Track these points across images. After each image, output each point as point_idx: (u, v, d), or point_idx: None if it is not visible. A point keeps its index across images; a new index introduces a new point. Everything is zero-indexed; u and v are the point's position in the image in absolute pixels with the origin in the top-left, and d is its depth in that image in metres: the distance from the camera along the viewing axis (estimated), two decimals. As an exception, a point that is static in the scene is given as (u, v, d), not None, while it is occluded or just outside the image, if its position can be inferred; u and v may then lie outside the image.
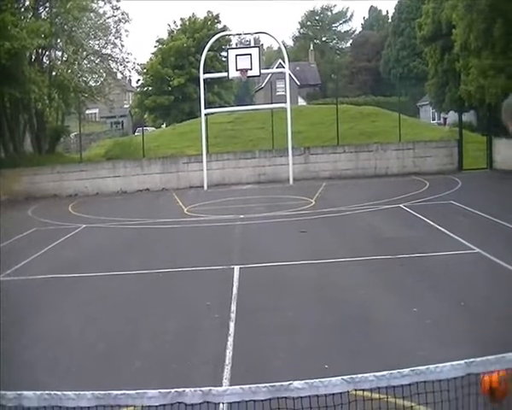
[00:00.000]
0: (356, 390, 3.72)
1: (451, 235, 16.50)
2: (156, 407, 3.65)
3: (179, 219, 23.16)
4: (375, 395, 4.04)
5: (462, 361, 3.77)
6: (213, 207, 26.20)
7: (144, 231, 21.39)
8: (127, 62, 46.44)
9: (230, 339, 9.48)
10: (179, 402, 3.60)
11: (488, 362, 3.89)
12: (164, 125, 68.97)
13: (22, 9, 39.27)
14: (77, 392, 3.59)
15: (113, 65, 46.65)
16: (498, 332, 8.81)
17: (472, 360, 3.81)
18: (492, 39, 29.71)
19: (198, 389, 3.59)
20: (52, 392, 3.63)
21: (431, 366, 3.72)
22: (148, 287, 13.49)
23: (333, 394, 3.67)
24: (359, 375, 3.64)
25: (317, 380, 3.59)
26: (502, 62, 29.61)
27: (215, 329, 10.14)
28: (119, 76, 50.67)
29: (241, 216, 22.55)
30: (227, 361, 8.57)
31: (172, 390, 3.61)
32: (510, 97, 5.67)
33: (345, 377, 3.62)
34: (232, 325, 10.17)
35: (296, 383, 3.61)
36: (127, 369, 8.63)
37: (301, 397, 3.63)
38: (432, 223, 18.54)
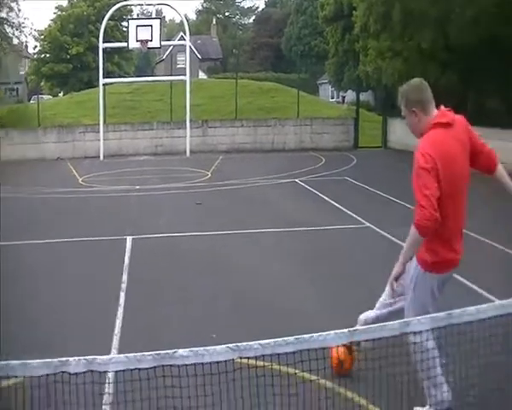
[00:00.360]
0: (241, 358, 3.73)
1: (344, 209, 16.83)
2: (39, 377, 3.58)
3: (73, 188, 22.79)
4: (260, 363, 4.06)
5: (345, 330, 3.83)
6: (109, 177, 25.92)
7: (36, 200, 20.88)
8: (24, 27, 45.32)
9: (120, 309, 9.38)
10: (63, 371, 3.54)
11: (370, 330, 3.97)
12: (61, 94, 67.61)
13: None
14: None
15: (8, 29, 45.42)
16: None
17: (354, 328, 3.89)
18: (391, 23, 30.14)
19: (82, 357, 3.54)
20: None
21: (315, 335, 3.77)
22: (40, 257, 13.19)
23: (218, 361, 3.67)
24: (244, 343, 3.65)
25: (201, 348, 3.60)
26: (399, 46, 30.12)
27: (105, 300, 10.02)
28: (15, 41, 49.38)
29: (137, 187, 22.43)
30: (116, 331, 8.48)
31: (56, 360, 3.54)
32: (406, 84, 5.82)
33: (230, 345, 3.64)
34: (122, 295, 10.07)
35: (181, 351, 3.61)
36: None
37: (186, 365, 3.62)
38: (326, 198, 18.83)
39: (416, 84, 5.64)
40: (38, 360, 3.56)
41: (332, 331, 3.84)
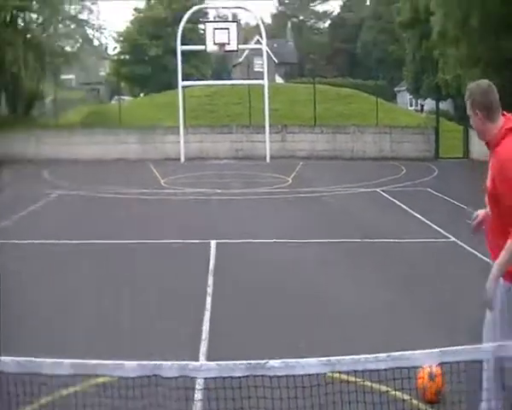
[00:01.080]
0: (332, 372, 3.77)
1: (427, 222, 16.61)
2: (133, 378, 3.68)
3: (156, 190, 23.12)
4: (352, 379, 4.10)
5: (436, 349, 3.84)
6: (190, 180, 26.19)
7: (120, 200, 21.27)
8: (103, 29, 46.14)
9: (207, 314, 9.49)
10: (156, 375, 3.64)
11: (462, 351, 3.96)
12: (142, 95, 68.42)
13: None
14: (54, 359, 3.61)
15: (89, 31, 46.27)
16: (468, 322, 8.92)
17: (446, 348, 3.88)
18: (470, 29, 29.69)
19: (175, 362, 3.63)
20: (30, 359, 3.65)
21: (406, 352, 3.78)
22: (124, 258, 13.42)
23: (309, 374, 3.71)
24: (336, 357, 3.69)
25: (293, 360, 3.63)
26: (479, 53, 29.64)
27: (192, 304, 10.15)
28: (96, 43, 50.24)
29: (218, 191, 22.57)
30: (204, 336, 8.59)
31: (151, 363, 3.64)
32: (475, 83, 5.63)
33: (322, 359, 3.68)
34: (209, 299, 10.19)
35: (273, 362, 3.65)
36: (102, 340, 8.59)
37: (278, 376, 3.67)
38: (408, 209, 18.65)
39: (484, 87, 5.43)
40: (132, 362, 3.67)
41: (424, 351, 3.86)
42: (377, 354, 3.75)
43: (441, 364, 4.20)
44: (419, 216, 17.53)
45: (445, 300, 10.20)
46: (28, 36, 40.09)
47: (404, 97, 72.25)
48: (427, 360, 3.95)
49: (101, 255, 13.65)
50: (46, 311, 9.80)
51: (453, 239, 14.52)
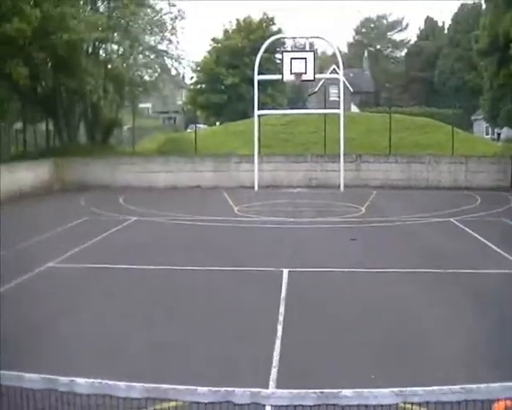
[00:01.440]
0: (405, 403, 3.75)
1: (502, 253, 16.32)
2: (205, 404, 3.72)
3: (230, 217, 23.27)
4: (424, 410, 4.06)
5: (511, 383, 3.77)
6: (264, 208, 26.24)
7: (194, 227, 21.48)
8: (182, 59, 46.77)
9: (278, 342, 9.51)
10: (228, 401, 3.67)
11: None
12: (218, 124, 69.07)
13: (81, 2, 39.81)
14: (128, 383, 3.67)
15: (167, 61, 47.03)
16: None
17: (525, 382, 3.80)
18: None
19: (247, 389, 3.65)
20: (103, 381, 3.72)
21: (481, 385, 3.73)
22: (198, 284, 13.57)
23: (381, 405, 3.70)
24: (409, 388, 3.67)
25: (366, 390, 3.62)
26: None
27: (263, 330, 10.18)
28: (174, 72, 50.99)
29: (291, 219, 22.58)
30: (274, 363, 8.61)
31: (222, 389, 3.67)
32: None
33: (394, 390, 3.66)
34: (280, 327, 10.20)
35: (345, 392, 3.65)
36: (174, 366, 8.69)
37: (349, 406, 3.66)
38: (482, 239, 18.35)
39: None
40: (204, 387, 3.70)
41: (498, 384, 3.79)
42: (451, 386, 3.71)
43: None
44: (493, 246, 17.25)
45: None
46: (109, 66, 40.93)
47: (481, 126, 71.44)
48: (502, 393, 3.88)
49: (176, 281, 13.83)
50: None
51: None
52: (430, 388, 3.70)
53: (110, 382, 3.76)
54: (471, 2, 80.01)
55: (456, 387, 3.71)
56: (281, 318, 10.69)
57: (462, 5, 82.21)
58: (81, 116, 41.59)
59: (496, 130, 63.53)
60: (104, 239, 18.69)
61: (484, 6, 57.75)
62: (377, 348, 9.43)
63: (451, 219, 22.21)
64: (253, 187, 33.32)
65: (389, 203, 28.04)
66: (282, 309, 11.19)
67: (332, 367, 8.65)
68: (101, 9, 41.61)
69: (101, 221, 22.31)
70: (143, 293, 12.80)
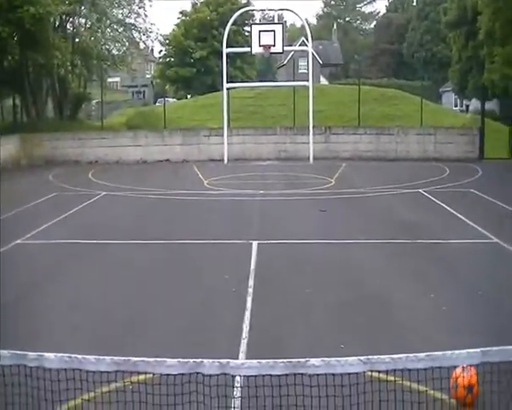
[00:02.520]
0: (372, 371, 3.78)
1: (470, 223, 16.47)
2: (174, 375, 3.73)
3: (199, 191, 23.25)
4: (391, 378, 4.10)
5: (478, 349, 3.81)
6: (233, 181, 26.26)
7: (164, 201, 21.41)
8: (150, 32, 46.43)
9: (247, 313, 9.56)
10: (197, 372, 3.68)
11: (504, 352, 3.92)
12: (189, 97, 68.69)
13: (47, -24, 39.35)
14: (96, 356, 3.68)
15: (135, 34, 46.66)
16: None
17: (488, 348, 3.84)
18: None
19: (216, 360, 3.66)
20: (72, 355, 3.72)
21: (447, 352, 3.77)
22: (166, 258, 13.57)
23: (349, 373, 3.73)
24: (375, 356, 3.70)
25: (333, 359, 3.65)
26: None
27: (233, 303, 10.22)
28: (142, 46, 50.64)
29: (261, 192, 22.58)
30: (244, 335, 8.66)
31: (191, 360, 3.69)
32: None
33: (361, 358, 3.69)
34: (249, 299, 10.25)
35: (313, 361, 3.68)
36: (143, 339, 8.71)
37: (317, 374, 3.69)
38: (451, 210, 18.49)
39: None
40: (173, 359, 3.71)
41: (464, 350, 3.83)
42: (417, 354, 3.75)
43: (478, 365, 4.13)
44: (461, 217, 17.40)
45: (488, 301, 10.14)
46: (76, 40, 40.54)
47: (450, 98, 71.69)
48: (467, 360, 3.92)
49: (143, 254, 13.84)
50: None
51: (496, 240, 14.41)
52: (396, 356, 3.73)
53: (79, 356, 3.76)
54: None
55: (422, 354, 3.74)
56: (250, 290, 10.72)
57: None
58: (49, 91, 41.13)
59: (464, 102, 63.89)
60: (73, 215, 18.59)
61: (453, -21, 58.02)
62: (344, 318, 9.51)
63: (420, 190, 22.33)
64: (222, 160, 33.25)
65: (358, 175, 28.10)
66: (251, 282, 11.23)
67: (301, 338, 8.70)
68: (67, -17, 41.14)
69: (69, 197, 22.16)
70: (112, 268, 12.80)
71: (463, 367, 5.62)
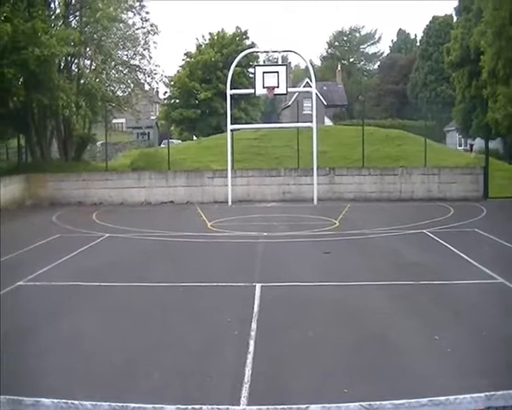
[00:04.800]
0: (374, 417, 3.70)
1: (475, 263, 16.38)
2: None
3: (203, 233, 23.19)
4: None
5: (482, 394, 3.73)
6: (237, 223, 26.21)
7: (167, 243, 21.40)
8: (155, 74, 46.64)
9: (250, 357, 9.45)
10: (196, 419, 3.61)
11: (509, 396, 3.85)
12: (195, 138, 68.99)
13: (53, 17, 39.66)
14: (94, 402, 3.61)
15: (140, 76, 46.86)
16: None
17: (492, 393, 3.77)
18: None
19: (215, 406, 3.60)
20: (69, 401, 3.66)
21: (450, 397, 3.70)
22: (169, 300, 13.50)
23: (349, 419, 3.66)
24: (377, 402, 3.63)
25: (333, 405, 3.59)
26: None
27: (235, 346, 10.12)
28: (147, 87, 50.88)
29: (265, 234, 22.51)
30: (246, 379, 8.55)
31: (189, 407, 3.62)
32: None
33: (363, 404, 3.62)
34: (252, 342, 10.15)
35: (313, 407, 3.61)
36: (144, 381, 8.63)
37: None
38: (455, 250, 18.41)
39: None
40: (172, 406, 3.65)
41: (468, 395, 3.76)
42: (419, 399, 3.68)
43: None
44: (465, 257, 17.31)
45: (492, 342, 10.05)
46: (81, 81, 40.77)
47: (454, 137, 72.04)
48: (471, 405, 3.84)
49: (146, 297, 13.79)
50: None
51: (501, 280, 14.32)
52: (398, 401, 3.66)
53: (76, 401, 3.70)
54: (442, 14, 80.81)
55: (425, 400, 3.67)
56: (253, 333, 10.62)
57: (433, 18, 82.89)
58: (54, 132, 41.36)
59: (468, 141, 64.15)
60: (76, 257, 18.53)
61: (455, 19, 58.56)
62: (349, 361, 9.41)
63: (424, 231, 22.26)
64: (226, 202, 33.28)
65: (362, 216, 28.07)
66: (254, 325, 11.13)
67: (304, 382, 8.61)
68: (73, 24, 41.41)
69: (73, 238, 22.15)
70: (113, 310, 12.71)
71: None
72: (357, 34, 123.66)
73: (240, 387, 8.25)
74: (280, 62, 36.38)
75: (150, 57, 45.48)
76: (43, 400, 3.75)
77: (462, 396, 3.73)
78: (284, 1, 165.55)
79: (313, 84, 36.31)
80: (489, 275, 14.99)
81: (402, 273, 15.58)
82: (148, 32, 44.62)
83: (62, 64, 40.32)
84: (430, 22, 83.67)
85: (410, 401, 3.67)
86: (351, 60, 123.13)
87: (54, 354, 9.83)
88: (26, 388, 7.72)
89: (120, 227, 24.74)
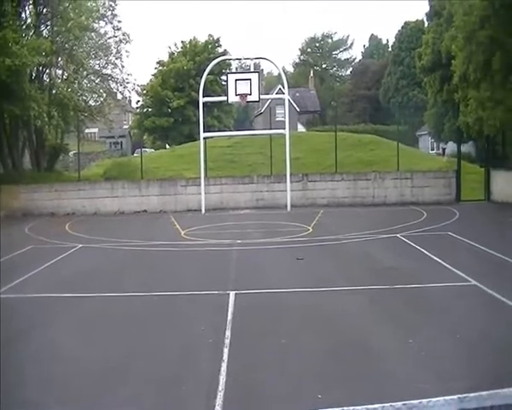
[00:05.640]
0: (347, 422, 3.68)
1: (448, 266, 16.45)
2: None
3: (176, 242, 23.16)
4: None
5: (455, 396, 3.72)
6: (211, 231, 26.20)
7: (141, 253, 21.34)
8: (127, 83, 46.57)
9: (224, 365, 9.42)
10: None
11: (481, 398, 3.84)
12: (168, 146, 68.91)
13: (24, 27, 39.49)
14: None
15: (113, 85, 46.83)
16: (493, 367, 8.80)
17: (465, 395, 3.76)
18: (491, 71, 29.84)
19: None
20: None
21: (424, 400, 3.67)
22: (143, 310, 13.44)
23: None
24: (351, 407, 3.61)
25: (307, 411, 3.57)
26: (500, 95, 29.71)
27: (209, 354, 10.08)
28: (119, 96, 50.81)
29: (239, 241, 22.48)
30: (220, 388, 8.51)
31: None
32: None
33: (336, 409, 3.60)
34: (226, 350, 10.11)
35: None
36: (119, 392, 8.58)
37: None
38: (428, 254, 18.49)
39: None
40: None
41: (441, 398, 3.75)
42: (392, 403, 3.66)
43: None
44: (438, 260, 17.39)
45: (466, 344, 10.09)
46: (53, 91, 40.60)
47: (426, 141, 72.52)
48: (445, 407, 3.83)
49: (119, 307, 13.72)
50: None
51: (474, 282, 14.40)
52: (372, 406, 3.64)
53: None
54: (414, 20, 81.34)
55: (399, 403, 3.65)
56: (227, 341, 10.59)
57: (405, 23, 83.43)
58: (25, 142, 41.18)
59: (441, 145, 64.54)
60: (49, 268, 18.41)
61: (426, 24, 59.02)
62: (323, 367, 9.41)
63: (398, 235, 22.36)
64: (200, 210, 33.25)
65: (336, 221, 28.16)
66: (228, 333, 11.09)
67: (279, 388, 8.60)
68: (44, 34, 41.29)
69: (46, 249, 22.01)
70: (86, 321, 12.64)
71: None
72: (330, 40, 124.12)
73: (214, 394, 8.21)
74: (252, 69, 36.46)
75: (122, 66, 45.45)
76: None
77: (435, 399, 3.71)
78: (256, 8, 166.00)
79: (286, 90, 36.37)
80: (463, 278, 15.06)
81: (376, 278, 15.59)
82: (120, 41, 44.60)
83: (34, 74, 40.20)
84: (402, 27, 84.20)
85: (383, 405, 3.65)
86: (323, 66, 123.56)
87: (28, 365, 9.75)
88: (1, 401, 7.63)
89: (94, 237, 24.65)
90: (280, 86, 66.71)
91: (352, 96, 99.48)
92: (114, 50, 45.01)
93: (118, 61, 45.24)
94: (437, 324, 11.52)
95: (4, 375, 9.10)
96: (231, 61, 68.18)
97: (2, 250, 20.67)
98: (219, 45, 77.73)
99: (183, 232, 25.59)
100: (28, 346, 10.79)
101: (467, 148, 49.36)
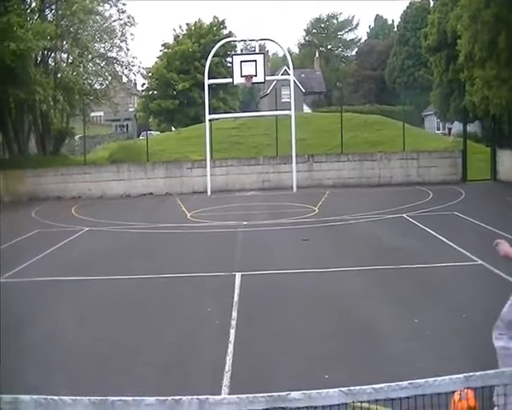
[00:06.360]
0: (354, 402, 3.68)
1: (454, 246, 16.44)
2: (152, 415, 3.63)
3: (182, 224, 23.16)
4: (373, 407, 4.01)
5: (461, 375, 3.73)
6: (216, 213, 26.21)
7: (147, 235, 21.36)
8: (132, 66, 46.54)
9: (231, 346, 9.44)
10: (176, 410, 3.59)
11: (487, 376, 3.85)
12: (173, 128, 68.73)
13: (28, 11, 39.44)
14: (74, 397, 3.58)
15: (118, 68, 46.80)
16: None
17: (471, 373, 3.77)
18: (497, 50, 29.69)
19: (195, 397, 3.57)
20: (49, 397, 3.61)
21: (429, 380, 3.69)
22: (150, 292, 13.47)
23: (330, 405, 3.64)
24: (357, 387, 3.61)
25: (314, 391, 3.56)
26: (506, 74, 29.58)
27: (215, 335, 10.11)
28: (125, 79, 50.75)
29: (244, 223, 22.51)
30: (227, 368, 8.54)
31: (169, 398, 3.59)
32: None
33: (342, 389, 3.59)
34: (233, 331, 10.14)
35: (294, 394, 3.58)
36: (126, 375, 8.61)
37: (299, 408, 3.60)
38: (434, 234, 18.47)
39: None
40: (152, 397, 3.62)
41: (447, 376, 3.76)
42: (399, 382, 3.67)
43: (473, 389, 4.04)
44: (445, 240, 17.38)
45: (472, 324, 10.08)
46: (58, 75, 40.53)
47: (432, 121, 72.23)
48: (450, 387, 3.84)
49: (126, 289, 13.73)
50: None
51: (480, 262, 14.38)
52: (378, 385, 3.65)
53: (56, 397, 3.66)
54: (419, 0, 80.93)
55: (405, 383, 3.66)
56: (234, 322, 10.61)
57: (410, 3, 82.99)
58: (31, 127, 41.17)
59: (447, 125, 64.36)
60: (55, 251, 18.45)
61: (432, 4, 58.76)
62: (330, 347, 9.42)
63: (404, 215, 22.34)
64: (205, 192, 33.28)
65: (342, 202, 28.16)
66: (234, 314, 11.11)
67: (286, 369, 8.61)
68: (49, 18, 41.19)
69: (52, 233, 22.05)
70: (94, 304, 12.65)
71: (461, 393, 5.53)
72: (335, 21, 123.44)
73: (221, 376, 8.24)
74: (257, 51, 36.34)
75: (127, 49, 45.39)
76: (21, 396, 3.72)
77: (440, 378, 3.72)
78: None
79: (291, 71, 36.34)
80: (469, 257, 15.06)
81: (382, 258, 15.59)
82: (125, 24, 44.55)
83: (39, 58, 40.15)
84: (407, 7, 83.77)
85: (389, 384, 3.66)
86: (329, 47, 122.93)
87: (34, 350, 9.79)
88: (5, 385, 7.65)
89: (100, 220, 24.68)
90: (285, 67, 66.43)
91: (358, 77, 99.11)
92: (119, 33, 44.99)
93: (123, 44, 45.22)
94: (443, 303, 11.52)
95: (8, 359, 9.13)
96: (236, 43, 67.51)
97: (9, 234, 20.72)
98: (224, 27, 77.50)
99: (189, 214, 25.61)
100: (33, 330, 10.81)
101: (473, 127, 49.22)
